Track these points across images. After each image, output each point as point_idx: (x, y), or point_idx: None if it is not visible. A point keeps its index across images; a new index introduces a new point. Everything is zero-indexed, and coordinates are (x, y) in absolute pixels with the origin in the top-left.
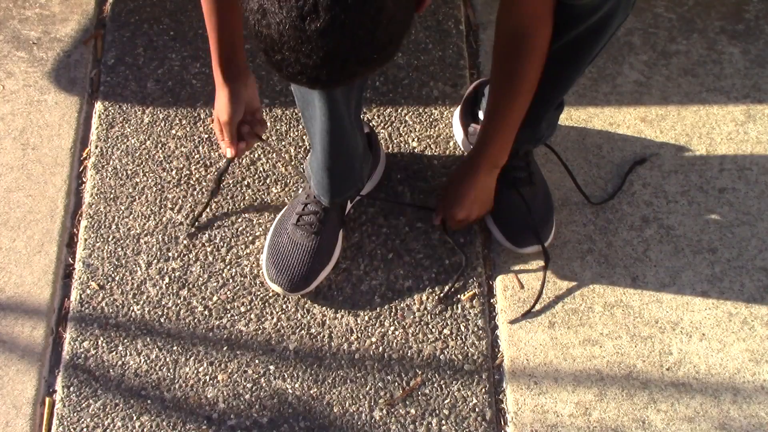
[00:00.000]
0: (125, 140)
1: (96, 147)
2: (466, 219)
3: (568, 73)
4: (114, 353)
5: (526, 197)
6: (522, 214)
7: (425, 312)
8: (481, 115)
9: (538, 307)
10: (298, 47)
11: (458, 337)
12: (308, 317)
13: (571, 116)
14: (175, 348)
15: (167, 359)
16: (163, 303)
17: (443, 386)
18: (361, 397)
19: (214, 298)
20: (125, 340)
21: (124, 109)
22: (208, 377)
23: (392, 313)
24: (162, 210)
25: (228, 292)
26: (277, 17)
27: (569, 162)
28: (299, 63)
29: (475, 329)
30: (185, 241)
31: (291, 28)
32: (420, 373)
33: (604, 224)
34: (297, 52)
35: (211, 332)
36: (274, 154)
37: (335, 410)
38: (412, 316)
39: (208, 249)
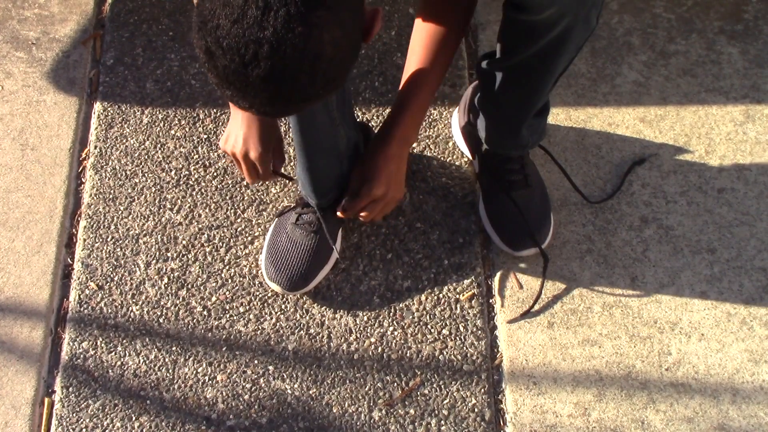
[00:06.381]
0: (124, 140)
1: (95, 147)
2: (382, 199)
3: (535, 86)
4: (113, 354)
5: (519, 201)
6: (518, 218)
7: (424, 312)
8: None
9: (537, 307)
10: (243, 89)
11: (457, 338)
12: (307, 317)
13: (570, 117)
14: (174, 348)
15: (166, 359)
16: (162, 303)
17: (442, 386)
18: (360, 397)
19: (213, 299)
20: (124, 341)
21: (123, 109)
22: (207, 377)
23: (391, 314)
24: (161, 210)
25: (227, 293)
26: (222, 61)
27: (568, 162)
28: (246, 100)
29: (474, 329)
30: (184, 242)
31: (235, 73)
32: (419, 373)
33: (603, 224)
34: (243, 92)
35: (210, 333)
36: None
37: (334, 410)
38: (411, 317)
39: (207, 249)
